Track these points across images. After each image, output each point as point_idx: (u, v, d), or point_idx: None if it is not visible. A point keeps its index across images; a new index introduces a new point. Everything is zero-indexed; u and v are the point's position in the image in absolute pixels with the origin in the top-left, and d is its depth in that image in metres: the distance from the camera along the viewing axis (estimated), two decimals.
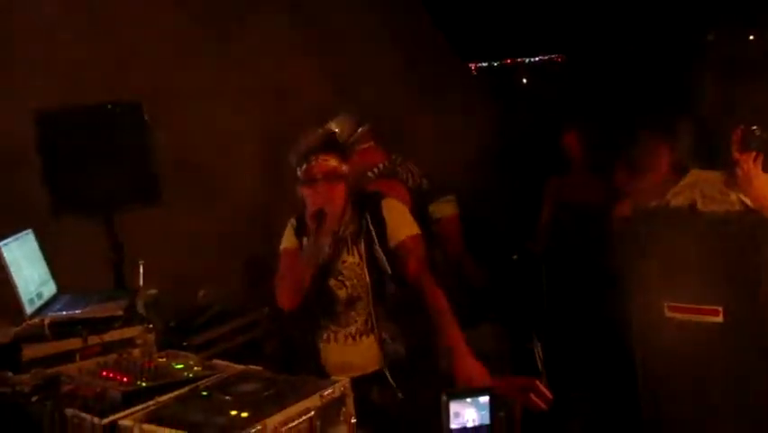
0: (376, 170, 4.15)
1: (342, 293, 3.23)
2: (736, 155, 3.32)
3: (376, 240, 3.19)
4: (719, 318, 3.52)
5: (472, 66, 9.51)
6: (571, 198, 5.10)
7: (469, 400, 2.36)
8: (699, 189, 3.65)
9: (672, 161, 3.80)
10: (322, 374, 3.13)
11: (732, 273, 3.49)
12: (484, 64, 9.90)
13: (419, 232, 3.28)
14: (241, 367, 2.81)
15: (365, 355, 3.20)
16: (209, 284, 4.18)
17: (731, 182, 3.50)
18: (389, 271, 3.18)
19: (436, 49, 7.35)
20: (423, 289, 3.15)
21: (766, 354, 3.45)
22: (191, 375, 2.71)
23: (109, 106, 4.04)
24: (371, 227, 3.20)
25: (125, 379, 2.63)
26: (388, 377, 3.15)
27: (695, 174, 3.72)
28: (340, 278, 3.23)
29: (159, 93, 4.41)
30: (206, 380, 2.64)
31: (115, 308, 3.19)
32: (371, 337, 3.21)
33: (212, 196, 4.72)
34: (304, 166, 3.19)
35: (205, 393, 2.52)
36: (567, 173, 5.31)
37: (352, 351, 3.23)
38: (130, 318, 3.18)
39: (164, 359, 2.93)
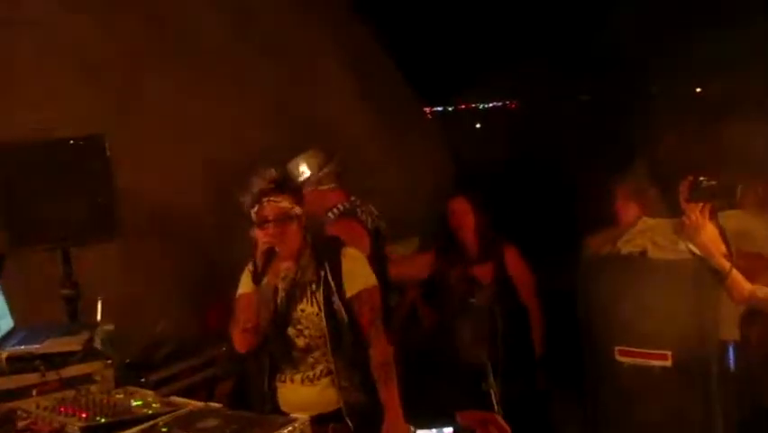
0: (336, 210, 4.19)
1: (300, 342, 3.22)
2: (684, 205, 3.45)
3: (334, 290, 3.19)
4: (668, 363, 3.62)
5: (427, 110, 9.67)
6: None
7: (434, 430, 2.42)
8: (650, 237, 3.78)
9: (637, 210, 3.93)
10: (277, 414, 3.11)
11: (680, 319, 3.60)
12: (439, 108, 10.05)
13: (375, 283, 3.30)
14: (200, 404, 2.81)
15: (323, 395, 3.20)
16: (167, 318, 4.15)
17: (679, 231, 3.62)
18: (347, 321, 3.19)
19: (398, 93, 7.49)
20: (371, 340, 3.20)
21: (710, 397, 3.55)
22: (150, 412, 2.70)
23: (71, 141, 4.01)
24: (330, 278, 3.20)
25: (84, 415, 2.61)
26: (347, 420, 3.16)
27: (645, 222, 3.84)
28: (298, 327, 3.21)
29: (114, 127, 4.41)
30: (166, 416, 2.63)
31: (74, 343, 3.15)
32: (329, 379, 3.20)
33: (169, 231, 4.71)
34: (256, 207, 3.16)
35: (165, 430, 2.52)
36: None
37: (309, 392, 3.22)
38: (88, 354, 3.14)
39: (122, 395, 2.92)
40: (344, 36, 6.78)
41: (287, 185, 3.23)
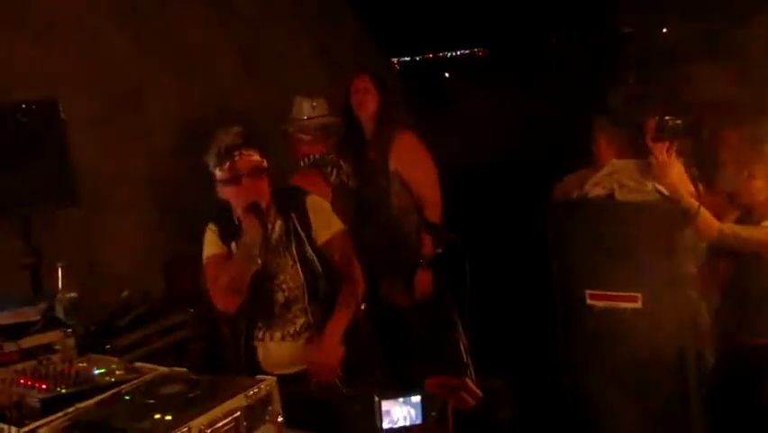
0: (307, 159, 4.15)
1: (279, 296, 3.19)
2: (651, 145, 3.42)
3: (305, 240, 3.16)
4: (638, 304, 3.62)
5: (395, 61, 9.54)
6: None
7: (401, 399, 2.38)
8: (617, 179, 3.74)
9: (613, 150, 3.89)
10: (258, 373, 2.98)
11: (649, 260, 3.58)
12: (407, 59, 9.92)
13: (343, 227, 3.27)
14: (165, 369, 2.77)
15: (328, 366, 3.13)
16: (133, 285, 4.09)
17: (647, 171, 3.60)
18: (320, 270, 3.17)
19: (360, 43, 7.36)
20: (348, 277, 3.19)
21: (682, 339, 3.56)
22: (113, 380, 2.66)
23: (24, 105, 3.90)
24: (299, 228, 3.17)
25: (44, 386, 2.56)
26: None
27: (613, 164, 3.81)
28: (276, 282, 3.18)
29: (74, 91, 4.29)
30: (129, 384, 2.59)
31: (32, 313, 3.09)
32: (310, 333, 3.17)
33: (134, 194, 4.63)
34: (226, 164, 3.06)
35: (127, 397, 2.48)
36: None
37: (292, 347, 3.19)
38: (48, 323, 3.08)
39: (85, 364, 2.86)
40: None
41: (255, 139, 3.15)
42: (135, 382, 2.60)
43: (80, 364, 2.85)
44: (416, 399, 2.38)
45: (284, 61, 5.93)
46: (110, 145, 4.48)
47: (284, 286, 3.18)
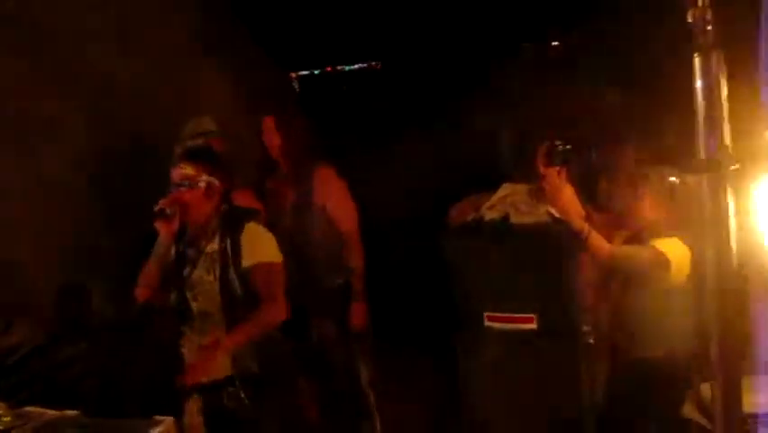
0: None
1: (194, 306, 3.32)
2: (542, 169, 3.50)
3: (231, 262, 3.26)
4: (533, 325, 3.70)
5: (293, 75, 9.51)
6: None
7: None
8: (511, 202, 3.83)
9: None
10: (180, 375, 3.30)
11: (543, 282, 3.67)
12: (305, 72, 9.91)
13: (274, 260, 3.34)
14: (55, 413, 2.68)
15: (217, 364, 3.22)
16: (21, 318, 3.93)
17: (539, 195, 3.69)
18: (239, 294, 3.26)
19: (256, 60, 7.29)
20: (264, 304, 3.26)
21: (576, 358, 3.66)
22: (1, 427, 2.55)
23: None
24: (229, 249, 3.28)
25: None
26: (237, 386, 3.24)
27: (507, 187, 3.89)
28: (194, 292, 3.32)
29: None
30: (18, 430, 2.49)
31: None
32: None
33: (24, 218, 4.45)
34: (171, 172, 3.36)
35: None
36: None
37: (205, 359, 3.24)
38: None
39: None
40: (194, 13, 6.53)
41: (199, 154, 3.46)
42: (24, 428, 2.51)
43: None
44: None
45: (182, 84, 5.82)
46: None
47: (199, 298, 3.31)
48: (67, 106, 4.73)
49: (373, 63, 10.18)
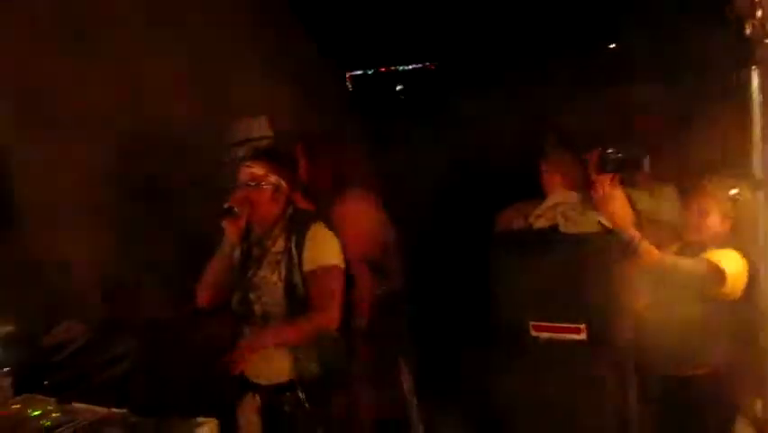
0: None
1: (257, 307, 3.29)
2: (593, 177, 3.44)
3: (296, 264, 3.24)
4: (583, 336, 3.64)
5: (347, 75, 9.52)
6: None
7: None
8: (561, 211, 3.77)
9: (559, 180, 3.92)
10: (242, 376, 3.28)
11: (593, 292, 3.61)
12: (359, 72, 9.90)
13: (335, 264, 3.29)
14: (103, 411, 2.72)
15: (277, 367, 3.22)
16: (72, 314, 4.00)
17: (589, 203, 3.63)
18: (303, 296, 3.23)
19: (310, 58, 7.32)
20: (317, 310, 3.21)
21: (624, 370, 3.60)
22: (48, 423, 2.61)
23: None
24: (294, 251, 3.26)
25: None
26: (298, 390, 3.20)
27: (557, 196, 3.84)
28: (258, 293, 3.28)
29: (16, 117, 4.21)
30: (66, 427, 2.54)
31: None
32: (284, 352, 3.22)
33: (74, 219, 4.53)
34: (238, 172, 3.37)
35: None
36: None
37: (266, 361, 3.24)
38: None
39: (19, 406, 2.80)
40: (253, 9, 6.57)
41: (267, 154, 3.44)
42: (72, 425, 2.55)
43: (14, 407, 2.80)
44: None
45: (236, 83, 5.88)
46: (48, 168, 4.37)
47: (263, 300, 3.27)
48: (117, 102, 4.80)
49: (428, 63, 10.14)
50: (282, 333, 3.22)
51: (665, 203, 3.92)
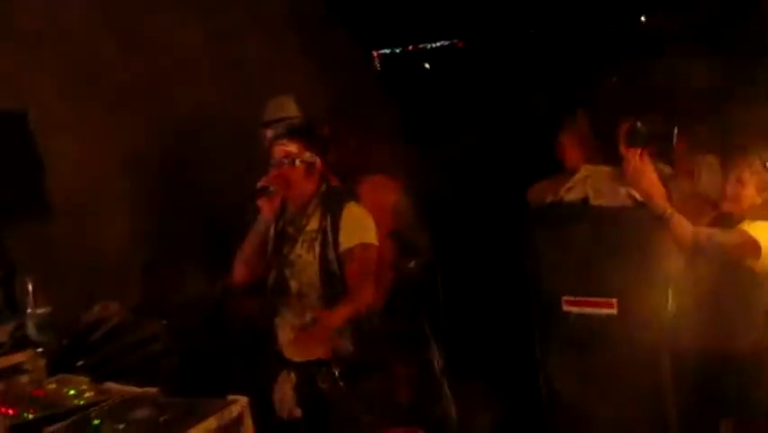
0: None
1: (293, 285, 3.30)
2: (623, 151, 3.40)
3: (331, 243, 3.25)
4: (614, 310, 3.61)
5: (375, 54, 9.46)
6: None
7: None
8: (591, 184, 3.73)
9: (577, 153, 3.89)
10: (278, 353, 3.34)
11: (625, 266, 3.57)
12: (386, 51, 9.84)
13: (371, 241, 3.29)
14: (136, 390, 2.75)
15: (313, 344, 3.20)
16: (105, 296, 4.04)
17: (620, 177, 3.58)
18: (338, 274, 3.24)
19: (337, 38, 7.31)
20: (354, 292, 3.20)
21: (658, 344, 3.56)
22: (83, 402, 2.64)
23: None
24: (329, 229, 3.26)
25: (11, 411, 2.54)
26: (333, 369, 3.22)
27: (587, 169, 3.80)
28: (293, 270, 3.30)
29: (50, 100, 4.24)
30: (99, 406, 2.56)
31: (0, 334, 3.06)
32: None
33: (107, 203, 4.57)
34: (271, 150, 3.37)
35: (96, 422, 2.46)
36: None
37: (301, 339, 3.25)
38: (17, 343, 3.05)
39: (54, 385, 2.84)
40: None
41: (301, 132, 3.44)
42: (105, 404, 2.58)
43: (50, 386, 2.83)
44: None
45: (262, 62, 5.88)
46: (84, 155, 4.41)
47: (298, 277, 3.29)
48: (149, 82, 4.82)
49: (456, 41, 10.05)
50: (342, 314, 3.15)
51: (706, 174, 3.86)
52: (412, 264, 4.08)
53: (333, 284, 3.24)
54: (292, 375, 3.32)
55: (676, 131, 3.55)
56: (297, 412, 3.31)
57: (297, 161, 3.30)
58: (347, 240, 3.24)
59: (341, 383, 3.21)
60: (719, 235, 3.41)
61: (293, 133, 3.39)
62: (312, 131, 3.55)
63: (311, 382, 3.26)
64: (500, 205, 4.28)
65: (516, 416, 4.26)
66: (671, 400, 3.58)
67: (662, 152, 3.67)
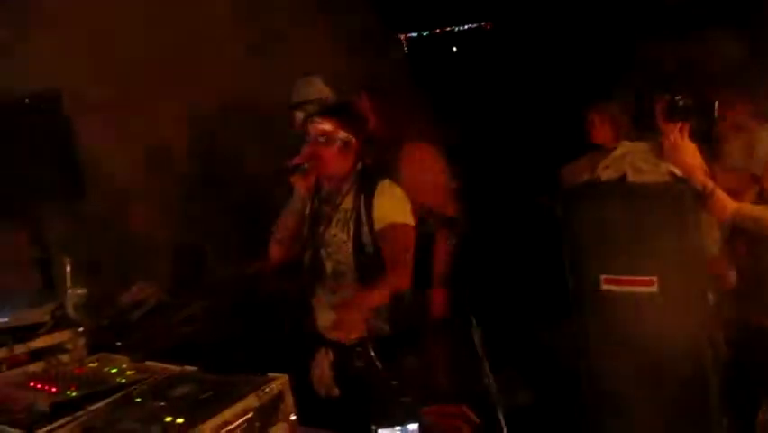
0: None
1: (328, 265, 3.32)
2: (662, 126, 3.34)
3: (365, 222, 3.24)
4: (654, 288, 3.56)
5: (402, 37, 9.44)
6: None
7: (398, 428, 2.37)
8: (629, 161, 3.69)
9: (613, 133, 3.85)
10: (314, 331, 3.38)
11: (664, 243, 3.52)
12: (414, 34, 9.81)
13: (405, 221, 3.27)
14: (176, 368, 2.75)
15: (351, 324, 3.17)
16: (144, 279, 4.07)
17: (659, 153, 3.53)
18: (372, 254, 3.25)
19: (365, 22, 7.28)
20: (389, 273, 3.19)
21: (699, 322, 3.50)
22: (124, 380, 2.64)
23: (27, 101, 3.88)
24: (363, 209, 3.26)
25: (54, 389, 2.55)
26: (369, 348, 3.22)
27: (625, 146, 3.75)
28: (329, 250, 3.31)
29: (82, 83, 4.26)
30: (140, 384, 2.57)
31: (41, 314, 3.08)
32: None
33: (142, 185, 4.59)
34: (306, 128, 3.38)
35: (138, 399, 2.46)
36: None
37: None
38: (58, 322, 3.06)
39: (95, 364, 2.85)
40: None
41: (337, 110, 3.43)
42: (146, 382, 2.58)
43: (91, 365, 2.85)
44: (414, 427, 2.36)
45: (289, 43, 5.87)
46: (118, 137, 4.43)
47: (334, 257, 3.30)
48: (178, 65, 4.82)
49: (484, 23, 9.98)
50: (378, 295, 3.17)
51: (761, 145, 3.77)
52: (452, 242, 4.06)
53: (368, 264, 3.23)
54: (330, 353, 3.31)
55: (717, 105, 3.46)
56: (335, 391, 3.31)
57: (333, 139, 3.29)
58: (380, 220, 3.24)
59: (377, 363, 3.20)
60: (762, 211, 3.34)
61: (328, 112, 3.39)
62: (347, 109, 3.54)
63: (348, 361, 3.27)
64: (530, 186, 4.23)
65: (555, 398, 4.22)
66: (713, 381, 3.51)
67: (702, 127, 3.59)
